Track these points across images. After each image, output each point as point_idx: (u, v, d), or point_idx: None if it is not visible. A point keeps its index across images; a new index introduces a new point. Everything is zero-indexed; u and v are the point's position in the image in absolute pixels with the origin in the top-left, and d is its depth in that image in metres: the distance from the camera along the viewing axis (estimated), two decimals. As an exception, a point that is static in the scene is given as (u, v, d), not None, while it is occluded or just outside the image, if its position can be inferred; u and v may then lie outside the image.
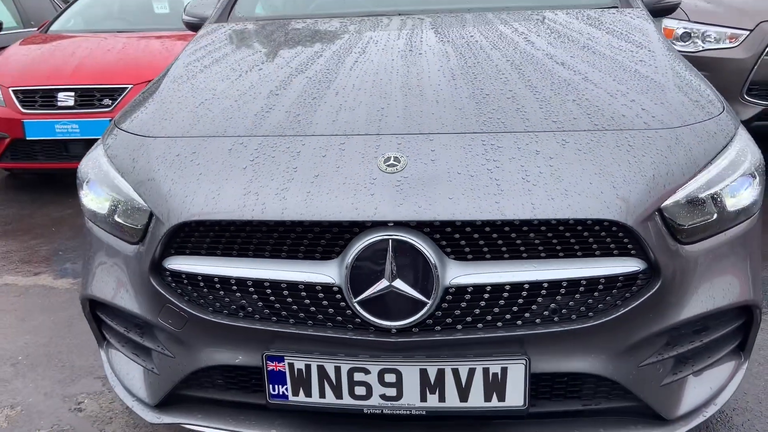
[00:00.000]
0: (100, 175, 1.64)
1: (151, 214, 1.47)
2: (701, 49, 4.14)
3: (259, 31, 2.39)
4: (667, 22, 4.24)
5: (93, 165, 1.69)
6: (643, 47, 1.94)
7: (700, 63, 4.07)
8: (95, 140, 4.15)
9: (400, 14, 2.40)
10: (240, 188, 1.41)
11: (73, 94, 4.25)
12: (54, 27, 5.50)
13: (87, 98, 4.25)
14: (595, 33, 2.07)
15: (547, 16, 2.25)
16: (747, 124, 4.05)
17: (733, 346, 1.62)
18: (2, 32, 6.21)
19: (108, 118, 4.18)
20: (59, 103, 4.25)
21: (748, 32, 4.00)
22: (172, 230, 1.42)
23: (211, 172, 1.47)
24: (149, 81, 4.22)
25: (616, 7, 2.38)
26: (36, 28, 6.22)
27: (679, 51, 4.18)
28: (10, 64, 4.63)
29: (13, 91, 4.34)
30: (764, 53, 3.95)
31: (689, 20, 4.18)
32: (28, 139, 4.27)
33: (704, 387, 1.56)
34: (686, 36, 4.19)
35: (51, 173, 4.86)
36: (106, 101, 4.23)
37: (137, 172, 1.55)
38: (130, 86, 4.24)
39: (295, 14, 2.61)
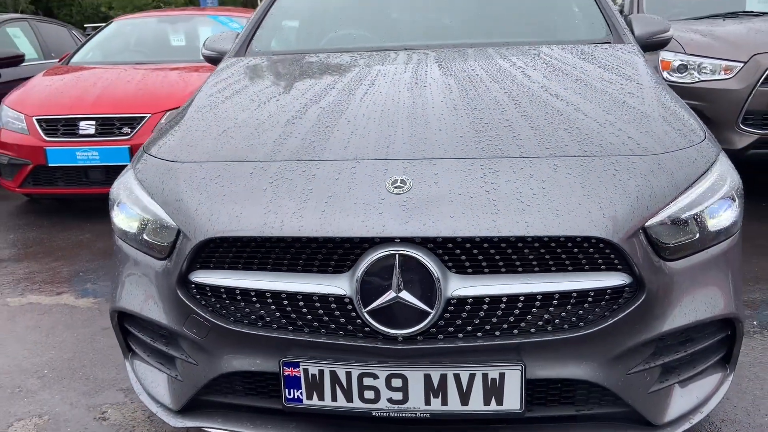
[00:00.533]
0: (131, 197, 1.78)
1: (179, 232, 1.60)
2: (697, 80, 4.29)
3: (275, 64, 2.55)
4: (665, 55, 4.40)
5: (124, 188, 1.83)
6: (632, 80, 2.08)
7: (696, 94, 4.23)
8: (114, 167, 4.34)
9: (406, 49, 2.56)
10: (260, 208, 1.55)
11: (93, 122, 4.42)
12: (75, 59, 5.71)
13: (107, 127, 4.42)
14: (588, 67, 2.22)
15: (544, 50, 2.39)
16: (743, 152, 4.17)
17: (717, 357, 1.72)
18: (24, 64, 6.45)
19: (127, 146, 4.34)
20: (80, 132, 4.42)
21: (742, 64, 4.14)
22: (198, 246, 1.55)
23: (234, 194, 1.61)
24: (167, 110, 4.43)
25: (609, 43, 2.53)
26: (57, 60, 6.46)
27: (676, 82, 4.33)
28: (33, 95, 4.81)
29: (36, 120, 4.51)
30: (758, 84, 4.08)
31: (685, 53, 4.34)
32: (50, 165, 4.44)
33: (691, 396, 1.66)
34: (683, 68, 4.34)
35: (70, 198, 5.01)
36: (125, 129, 4.39)
37: (166, 193, 1.70)
38: (148, 115, 4.39)
39: (308, 49, 2.78)
